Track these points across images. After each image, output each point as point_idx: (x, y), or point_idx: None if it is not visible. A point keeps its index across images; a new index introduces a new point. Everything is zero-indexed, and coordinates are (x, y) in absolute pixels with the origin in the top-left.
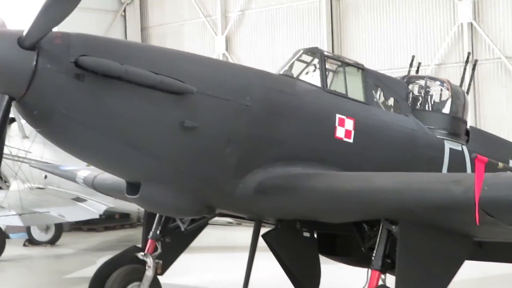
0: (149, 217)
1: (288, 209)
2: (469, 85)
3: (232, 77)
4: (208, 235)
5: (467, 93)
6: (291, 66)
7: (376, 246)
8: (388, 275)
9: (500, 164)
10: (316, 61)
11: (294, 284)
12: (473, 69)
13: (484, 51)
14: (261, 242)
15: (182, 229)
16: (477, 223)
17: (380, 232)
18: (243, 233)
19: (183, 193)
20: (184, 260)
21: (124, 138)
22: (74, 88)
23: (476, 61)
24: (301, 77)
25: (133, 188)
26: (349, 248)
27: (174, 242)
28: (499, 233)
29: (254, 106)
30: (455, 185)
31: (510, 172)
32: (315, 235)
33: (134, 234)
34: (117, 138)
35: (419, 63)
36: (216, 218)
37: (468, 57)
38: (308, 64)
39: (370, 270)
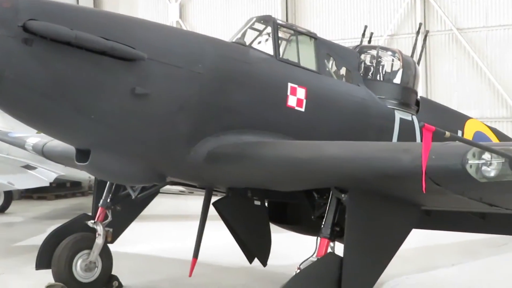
0: (100, 185)
1: (239, 178)
2: (420, 55)
3: (184, 44)
4: (161, 204)
5: (418, 63)
6: (243, 34)
7: (326, 214)
8: (337, 243)
9: (447, 133)
10: (268, 29)
11: (244, 252)
12: (424, 40)
13: (436, 23)
14: (213, 211)
15: (133, 197)
16: (424, 191)
17: (329, 200)
18: (196, 202)
19: (133, 160)
20: (135, 229)
21: (73, 104)
22: (22, 53)
23: (427, 32)
24: (253, 45)
25: (82, 155)
26: (300, 216)
27: (125, 210)
28: (446, 202)
29: (206, 73)
30: (404, 153)
31: (458, 141)
32: (266, 204)
33: (85, 203)
34: (67, 104)
35: (371, 33)
36: (168, 187)
37: (419, 28)
38: (260, 32)
39: (319, 238)
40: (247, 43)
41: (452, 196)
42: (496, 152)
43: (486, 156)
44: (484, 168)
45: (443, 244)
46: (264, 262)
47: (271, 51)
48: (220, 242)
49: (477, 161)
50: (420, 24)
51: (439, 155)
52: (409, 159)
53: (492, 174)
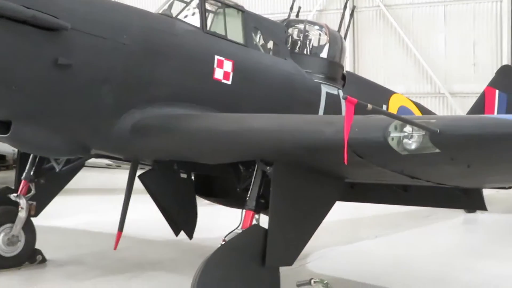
0: (23, 158)
1: (164, 150)
2: (347, 30)
3: (109, 15)
4: (88, 178)
5: (345, 38)
6: (170, 6)
7: (251, 186)
8: (262, 215)
9: (369, 106)
10: (195, 1)
11: (170, 225)
12: (351, 15)
13: None
14: (139, 184)
15: (57, 170)
16: (346, 163)
17: (255, 173)
18: (123, 176)
19: (56, 132)
20: (60, 202)
21: None
22: None
23: (354, 7)
24: (180, 17)
25: (3, 127)
26: (226, 189)
27: (49, 183)
28: (369, 175)
29: (131, 44)
30: (327, 126)
31: (380, 114)
32: (192, 176)
33: (10, 176)
34: None
35: (299, 7)
36: (95, 160)
37: (346, 3)
38: (187, 4)
39: (244, 210)
40: (174, 15)
41: (374, 168)
42: (417, 125)
43: (408, 129)
44: (405, 140)
45: (368, 216)
46: (190, 235)
47: (198, 24)
48: (146, 215)
49: (398, 134)
50: None
51: (362, 128)
52: (332, 132)
53: (413, 146)
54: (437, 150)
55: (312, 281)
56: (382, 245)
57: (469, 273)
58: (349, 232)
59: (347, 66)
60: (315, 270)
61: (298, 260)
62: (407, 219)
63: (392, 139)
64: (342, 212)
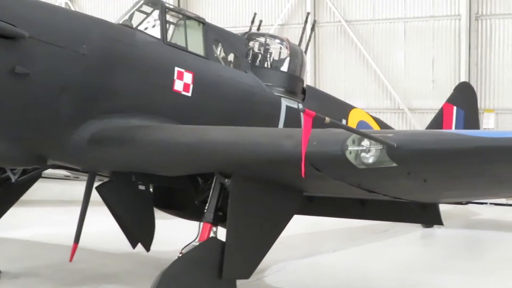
0: None
1: (122, 161)
2: (308, 44)
3: (68, 24)
4: (45, 189)
5: (305, 52)
6: (131, 16)
7: (209, 199)
8: (220, 228)
9: (327, 119)
10: (156, 12)
11: (128, 238)
12: (312, 29)
13: (325, 14)
14: (97, 196)
15: (13, 180)
16: (303, 176)
17: (213, 185)
18: (81, 187)
19: (12, 142)
20: (16, 213)
21: None
22: None
23: (315, 21)
24: (140, 28)
25: None
26: (185, 201)
27: (4, 193)
28: (327, 188)
29: (90, 54)
30: (286, 139)
31: (339, 128)
32: (151, 188)
33: None
34: None
35: (261, 21)
36: (53, 171)
37: (307, 17)
38: (148, 15)
39: (202, 222)
40: (134, 26)
41: (332, 181)
42: (374, 139)
43: (365, 143)
44: (363, 154)
45: (326, 230)
46: (147, 248)
47: (158, 35)
48: (104, 227)
49: (356, 148)
50: (308, 13)
51: (320, 141)
52: (291, 145)
53: (371, 160)
54: (394, 164)
55: None
56: (340, 259)
57: (424, 287)
58: (307, 246)
59: (308, 81)
60: (272, 283)
61: (256, 273)
62: (365, 233)
63: (350, 152)
64: (300, 226)
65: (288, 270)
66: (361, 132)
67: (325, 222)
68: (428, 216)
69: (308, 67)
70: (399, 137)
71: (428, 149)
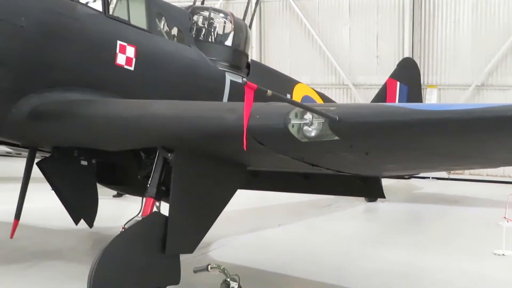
0: None
1: (64, 136)
2: (252, 19)
3: None
4: None
5: (250, 27)
6: None
7: (152, 173)
8: (163, 203)
9: (269, 92)
10: None
11: (70, 214)
12: (256, 4)
13: None
14: (39, 172)
15: None
16: (245, 149)
17: (156, 160)
18: (23, 164)
19: None
20: None
21: None
22: None
23: None
24: (82, 1)
25: None
26: (128, 176)
27: None
28: (271, 162)
29: (29, 27)
30: (229, 113)
31: (283, 101)
32: (94, 164)
33: None
34: None
35: None
36: None
37: None
38: None
39: (145, 197)
40: None
41: (275, 155)
42: (317, 112)
43: (308, 116)
44: (305, 128)
45: (271, 205)
46: (90, 224)
47: (100, 8)
48: (45, 204)
49: (299, 121)
50: None
51: (263, 115)
52: (233, 118)
53: (313, 133)
54: (336, 138)
55: (209, 267)
56: (285, 233)
57: (367, 259)
58: (252, 221)
59: (254, 56)
60: (217, 258)
61: (201, 248)
62: (310, 208)
63: (293, 126)
64: (246, 201)
65: (233, 245)
66: (304, 106)
67: (270, 197)
68: (370, 189)
69: (253, 43)
70: (341, 110)
71: (369, 122)
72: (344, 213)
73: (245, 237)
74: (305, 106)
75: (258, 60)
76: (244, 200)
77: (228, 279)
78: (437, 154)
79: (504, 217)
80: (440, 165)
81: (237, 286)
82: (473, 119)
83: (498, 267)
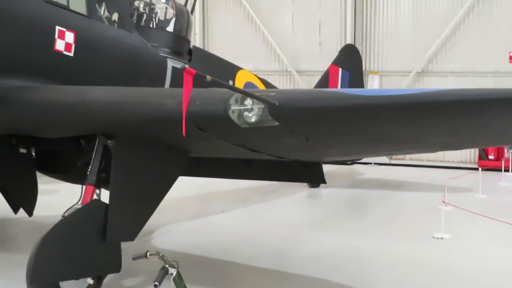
0: None
1: (1, 123)
2: (194, 5)
3: None
4: None
5: (192, 13)
6: None
7: (92, 161)
8: (104, 190)
9: (208, 77)
10: None
11: (9, 202)
12: None
13: None
14: None
15: None
16: (184, 135)
17: (95, 146)
18: None
19: None
20: None
21: None
22: None
23: None
24: None
25: None
26: (69, 164)
27: None
28: (212, 148)
29: None
30: (169, 98)
31: (222, 87)
32: (33, 152)
33: None
34: None
35: None
36: None
37: None
38: None
39: (85, 185)
40: None
41: (216, 141)
42: (257, 98)
43: (248, 102)
44: (245, 113)
45: (215, 192)
46: (30, 213)
47: None
48: None
49: (239, 107)
50: None
51: (204, 100)
52: (173, 104)
53: (253, 119)
54: (276, 123)
55: (148, 253)
56: (229, 219)
57: (310, 244)
58: (196, 207)
59: (197, 43)
60: (159, 245)
61: (143, 235)
62: (254, 194)
63: (233, 112)
64: (190, 187)
65: (176, 232)
66: (244, 91)
67: (215, 184)
68: (312, 175)
69: (197, 29)
70: (280, 96)
71: (309, 107)
72: (288, 199)
73: (189, 224)
74: (245, 92)
75: (201, 46)
76: (188, 186)
77: (167, 265)
78: (376, 139)
79: (443, 201)
80: (379, 150)
81: (175, 272)
82: (408, 104)
83: (436, 250)
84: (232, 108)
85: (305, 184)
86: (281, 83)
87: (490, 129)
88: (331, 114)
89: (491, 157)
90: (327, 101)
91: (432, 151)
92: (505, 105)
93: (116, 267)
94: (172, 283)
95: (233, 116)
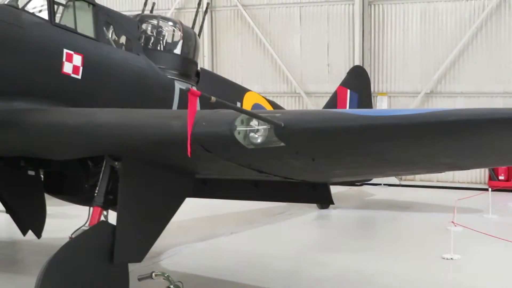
0: None
1: (9, 146)
2: (201, 27)
3: None
4: None
5: (199, 35)
6: None
7: (99, 182)
8: (111, 212)
9: (213, 98)
10: None
11: (18, 225)
12: (205, 12)
13: None
14: None
15: None
16: (189, 155)
17: (103, 168)
18: None
19: None
20: None
21: None
22: None
23: (208, 4)
24: (27, 9)
25: None
26: (76, 186)
27: None
28: (219, 169)
29: None
30: (175, 120)
31: (228, 108)
32: (41, 174)
33: None
34: None
35: (154, 3)
36: None
37: (200, 1)
38: None
39: (92, 207)
40: (20, 6)
41: (222, 162)
42: (262, 119)
43: (254, 123)
44: (251, 134)
45: (224, 214)
46: (38, 234)
47: (46, 16)
48: None
49: (245, 128)
50: None
51: (209, 122)
52: (180, 125)
53: (259, 140)
54: (282, 144)
55: (153, 274)
56: (237, 241)
57: (320, 266)
58: (205, 229)
59: (206, 65)
60: (167, 266)
61: (152, 257)
62: (262, 216)
63: (239, 133)
64: (199, 210)
65: (185, 253)
66: (249, 112)
67: (223, 206)
68: (319, 196)
69: (205, 52)
70: (286, 117)
71: (314, 128)
72: (296, 220)
73: (198, 246)
74: (251, 113)
75: (210, 68)
76: (196, 209)
77: (172, 286)
78: (382, 159)
79: (452, 222)
80: (386, 170)
81: None
82: (414, 124)
83: (446, 270)
84: (238, 129)
85: (314, 205)
86: (290, 105)
87: (496, 149)
88: (337, 134)
89: (501, 177)
90: (332, 122)
91: (439, 171)
92: (509, 125)
93: None
94: None
95: (239, 137)
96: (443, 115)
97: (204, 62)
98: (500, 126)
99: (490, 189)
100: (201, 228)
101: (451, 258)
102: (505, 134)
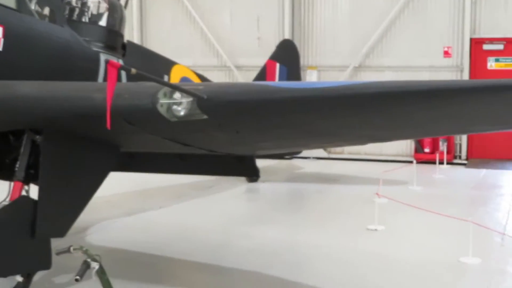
0: None
1: None
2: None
3: None
4: None
5: (125, 7)
6: None
7: (20, 156)
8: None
9: (133, 70)
10: None
11: None
12: None
13: None
14: None
15: None
16: (108, 128)
17: (24, 142)
18: None
19: None
20: None
21: None
22: None
23: None
24: None
25: None
26: None
27: None
28: (143, 143)
29: None
30: (97, 93)
31: (152, 81)
32: None
33: None
34: None
35: None
36: None
37: None
38: None
39: (13, 182)
40: None
41: (146, 136)
42: (185, 91)
43: (177, 95)
44: (174, 107)
45: (153, 188)
46: None
47: None
48: None
49: (167, 100)
50: None
51: (132, 94)
52: (101, 98)
53: (182, 113)
54: (205, 117)
55: (71, 248)
56: (166, 215)
57: (246, 238)
58: (133, 204)
59: (135, 39)
60: (94, 242)
61: (78, 232)
62: (192, 190)
63: (161, 105)
64: (127, 184)
65: (112, 228)
66: (172, 85)
67: (152, 181)
68: (245, 168)
69: (134, 25)
70: (209, 89)
71: (237, 100)
72: (225, 194)
73: (125, 220)
74: (173, 85)
75: (139, 42)
76: (124, 183)
77: (89, 259)
78: (306, 131)
79: (377, 194)
80: (311, 143)
81: (98, 266)
82: (335, 97)
83: (370, 241)
84: (160, 101)
85: (243, 179)
86: (220, 79)
87: (411, 121)
88: (259, 107)
89: (426, 150)
90: (255, 94)
91: (362, 143)
92: (424, 97)
93: (45, 264)
94: (95, 277)
95: (162, 110)
96: (362, 87)
97: (133, 35)
98: (412, 99)
99: (415, 161)
100: (129, 203)
101: (375, 229)
102: (417, 107)
